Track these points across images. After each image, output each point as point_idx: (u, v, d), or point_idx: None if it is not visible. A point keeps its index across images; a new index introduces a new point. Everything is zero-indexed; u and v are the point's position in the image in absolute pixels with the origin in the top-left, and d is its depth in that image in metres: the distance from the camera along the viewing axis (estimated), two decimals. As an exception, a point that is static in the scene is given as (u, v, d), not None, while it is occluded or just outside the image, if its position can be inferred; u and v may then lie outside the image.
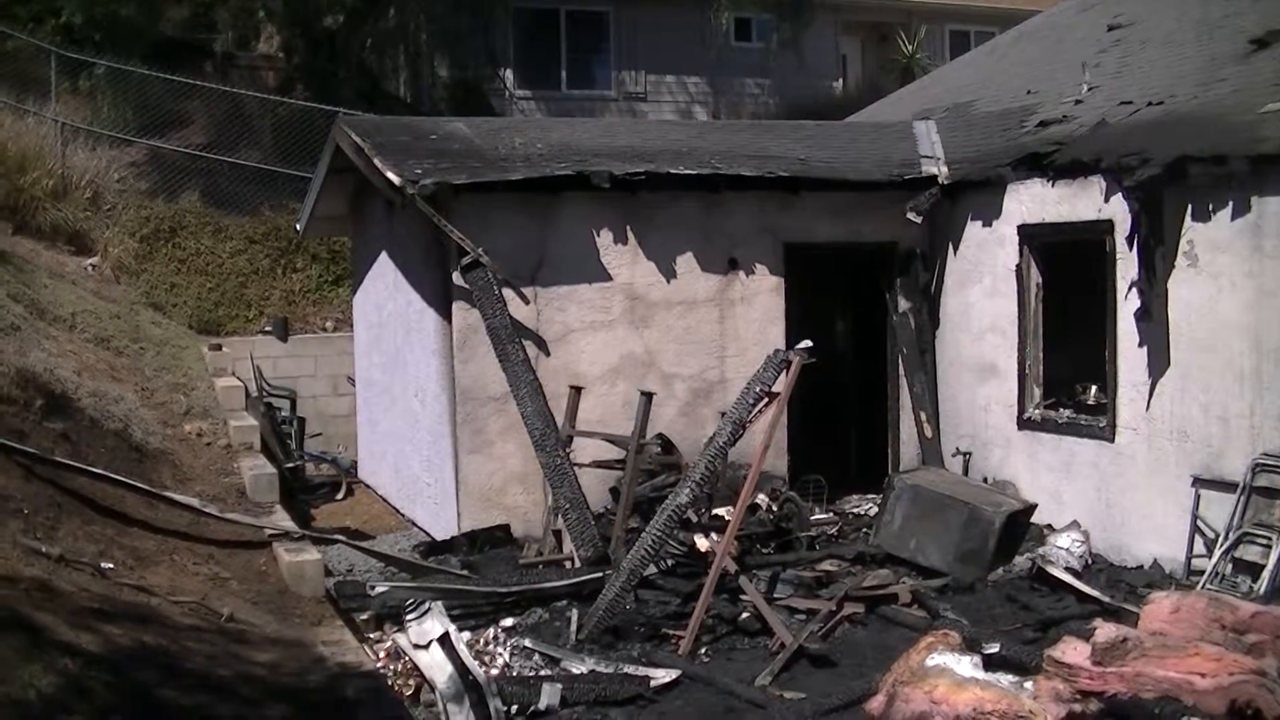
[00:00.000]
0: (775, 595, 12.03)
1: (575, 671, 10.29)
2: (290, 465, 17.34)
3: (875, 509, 14.19)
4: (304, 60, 29.13)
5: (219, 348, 19.51)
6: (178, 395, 16.24)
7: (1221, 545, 12.15)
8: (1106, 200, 13.54)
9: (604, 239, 14.67)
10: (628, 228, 14.76)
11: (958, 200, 15.72)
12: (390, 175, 13.79)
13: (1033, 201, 14.60)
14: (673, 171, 14.64)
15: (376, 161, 14.10)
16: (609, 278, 14.70)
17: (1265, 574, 11.65)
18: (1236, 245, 12.23)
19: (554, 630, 11.37)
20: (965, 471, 15.48)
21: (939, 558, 13.07)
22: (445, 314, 14.38)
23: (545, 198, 14.37)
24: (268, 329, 21.31)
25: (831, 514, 15.03)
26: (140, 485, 12.42)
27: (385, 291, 17.15)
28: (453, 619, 10.82)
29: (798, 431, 15.51)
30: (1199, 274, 12.61)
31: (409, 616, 10.76)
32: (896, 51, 36.83)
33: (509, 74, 32.79)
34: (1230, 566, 12.14)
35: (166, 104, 24.36)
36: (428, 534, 15.08)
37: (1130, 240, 13.01)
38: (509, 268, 14.11)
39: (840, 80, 37.29)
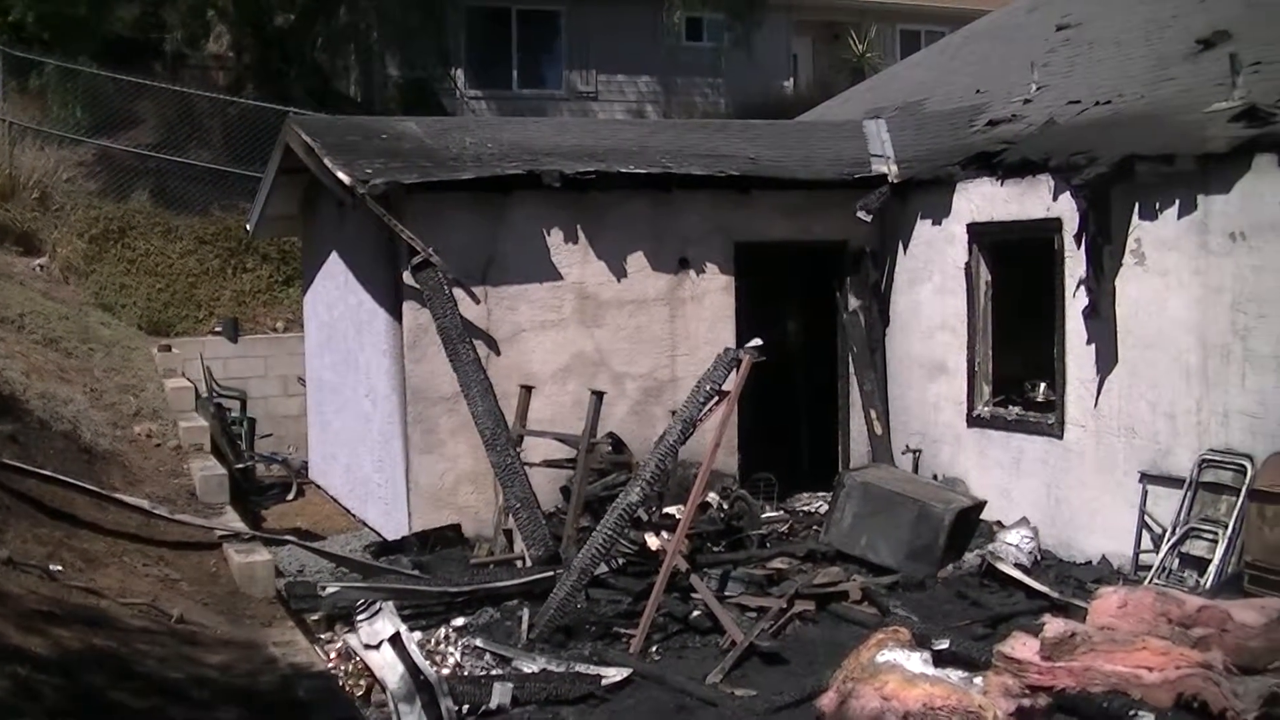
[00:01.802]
0: (726, 593, 12.04)
1: (527, 671, 10.27)
2: (241, 466, 17.27)
3: (826, 507, 14.22)
4: (255, 59, 29.02)
5: (169, 349, 19.41)
6: (127, 396, 16.15)
7: (1169, 540, 12.23)
8: (1055, 199, 13.60)
9: (555, 238, 14.66)
10: (578, 227, 14.75)
11: (908, 199, 15.78)
12: (341, 175, 13.75)
13: (982, 200, 14.67)
14: (623, 171, 14.65)
15: (327, 161, 14.06)
16: (560, 277, 14.69)
17: (1211, 568, 11.74)
18: (1183, 243, 12.31)
19: (505, 630, 11.34)
20: (915, 469, 15.53)
21: (889, 555, 13.11)
22: (396, 314, 14.36)
23: (496, 197, 14.36)
24: (218, 329, 21.23)
25: (782, 512, 15.07)
26: (90, 487, 12.35)
27: (336, 291, 17.11)
28: (404, 619, 10.80)
29: (749, 430, 15.53)
30: (1146, 272, 12.70)
31: (360, 617, 10.73)
32: (848, 51, 36.97)
33: (460, 74, 32.74)
34: (1177, 561, 12.23)
35: (116, 103, 24.25)
36: (379, 534, 15.05)
37: (1078, 238, 13.09)
38: (460, 267, 14.09)
39: (792, 79, 37.35)
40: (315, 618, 11.46)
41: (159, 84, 25.36)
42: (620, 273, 14.95)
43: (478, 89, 33.17)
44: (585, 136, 16.26)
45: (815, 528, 14.34)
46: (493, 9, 33.19)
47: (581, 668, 10.32)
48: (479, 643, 10.90)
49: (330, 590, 11.64)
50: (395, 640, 10.28)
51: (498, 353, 14.39)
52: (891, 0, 39.07)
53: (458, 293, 14.02)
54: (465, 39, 32.77)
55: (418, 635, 10.80)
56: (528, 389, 13.78)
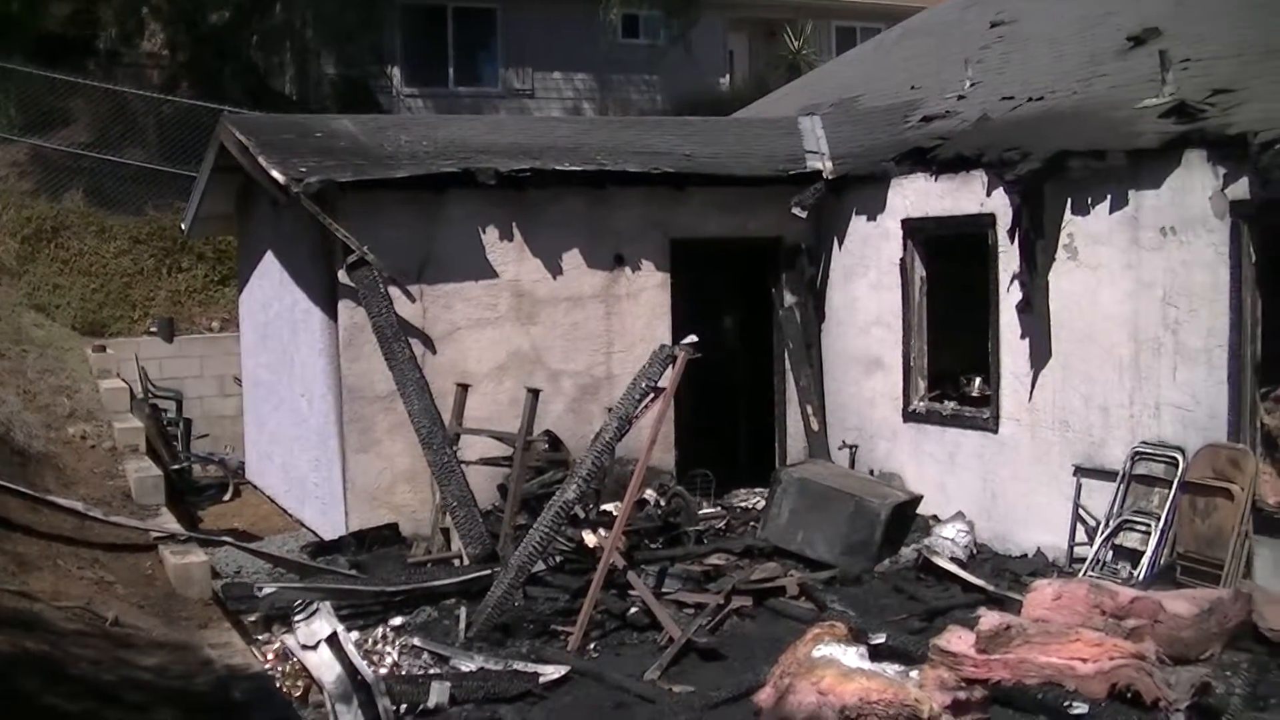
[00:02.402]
0: (664, 590, 12.05)
1: (464, 669, 10.26)
2: (177, 467, 17.20)
3: (763, 503, 14.25)
4: (189, 58, 28.83)
5: (103, 349, 19.28)
6: (61, 398, 16.04)
7: (1102, 532, 12.34)
8: (989, 194, 13.68)
9: (490, 236, 14.64)
10: (514, 225, 14.73)
11: (843, 195, 15.82)
12: (275, 173, 13.69)
13: (916, 196, 14.73)
14: (559, 168, 14.63)
15: (261, 160, 13.99)
16: (495, 275, 14.67)
17: (1144, 560, 11.85)
18: (1115, 238, 12.41)
19: (443, 628, 11.34)
20: (852, 464, 15.60)
21: (826, 550, 13.16)
22: (331, 313, 14.30)
23: (431, 195, 14.32)
24: (153, 330, 21.10)
25: (719, 508, 15.08)
26: (22, 489, 12.27)
27: (271, 291, 17.03)
28: (341, 619, 10.74)
29: (686, 426, 15.56)
30: (1079, 266, 12.79)
31: (297, 617, 10.67)
32: (784, 47, 37.03)
33: (396, 72, 32.65)
34: (1111, 553, 12.34)
35: (49, 102, 24.07)
36: (316, 534, 14.99)
37: (1012, 233, 13.18)
38: (395, 265, 14.04)
39: (728, 76, 37.42)
40: (252, 619, 11.43)
41: (93, 82, 25.15)
42: (556, 270, 14.94)
43: (414, 87, 33.08)
44: (521, 134, 16.21)
45: (752, 524, 14.37)
46: (429, 7, 33.09)
47: (519, 666, 10.32)
48: (416, 642, 10.89)
49: (267, 591, 11.60)
50: (332, 640, 10.22)
51: (434, 351, 14.36)
52: (827, -2, 39.18)
53: (393, 291, 13.97)
54: (401, 37, 32.67)
55: (355, 635, 10.76)
56: (464, 387, 13.75)
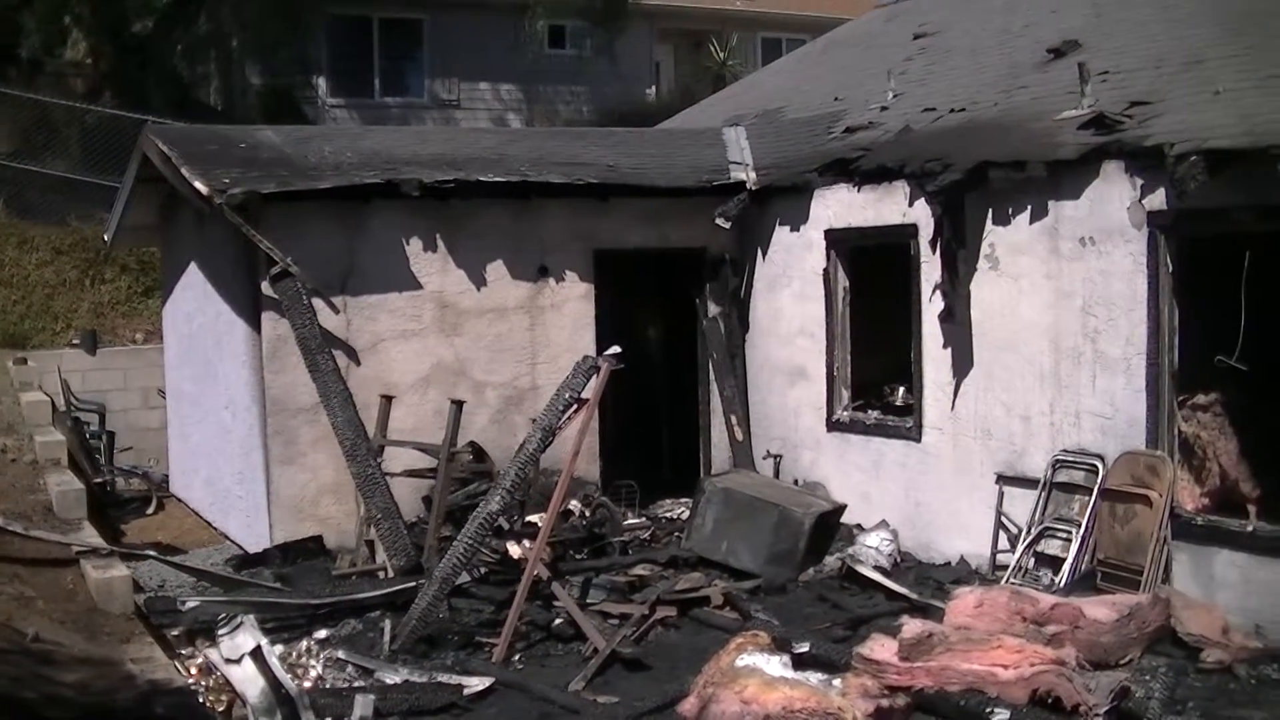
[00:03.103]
0: (589, 601, 12.04)
1: (389, 682, 10.22)
2: (100, 480, 17.07)
3: (688, 513, 14.26)
4: (112, 67, 28.66)
5: (25, 361, 19.12)
6: (-19, 411, 15.92)
7: (1024, 540, 12.43)
8: (911, 205, 13.77)
9: (414, 247, 14.60)
10: (438, 236, 14.70)
11: (766, 205, 15.87)
12: (198, 184, 13.59)
13: (839, 206, 14.80)
14: (482, 179, 14.61)
15: (184, 170, 13.89)
16: (419, 286, 14.63)
17: (1065, 567, 11.95)
18: (1035, 248, 12.51)
19: (368, 641, 11.28)
20: (776, 474, 15.63)
21: (750, 559, 13.18)
22: (255, 324, 14.21)
23: (355, 206, 14.26)
24: (76, 342, 20.92)
25: (644, 518, 15.10)
26: (-61, 505, 12.17)
27: (195, 302, 16.92)
28: (265, 632, 10.65)
29: (611, 437, 15.58)
30: (1000, 276, 12.89)
31: (221, 631, 10.57)
32: (709, 58, 37.21)
33: (322, 82, 32.57)
34: (1033, 560, 12.44)
35: (-32, 111, 23.91)
36: (241, 547, 14.89)
37: (934, 244, 13.25)
38: (319, 277, 13.98)
39: (654, 87, 37.55)
40: (176, 633, 11.34)
41: (14, 91, 24.96)
42: (480, 281, 14.92)
43: (340, 98, 33.04)
44: (445, 145, 16.19)
45: (677, 534, 14.36)
46: (355, 17, 33.06)
47: (444, 677, 10.29)
48: (341, 654, 10.84)
49: (191, 605, 11.54)
50: (256, 654, 10.15)
51: (358, 363, 14.31)
52: (753, 9, 39.33)
53: (317, 303, 13.91)
54: (327, 47, 32.62)
55: (279, 648, 10.69)
56: (388, 399, 13.71)
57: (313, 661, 10.77)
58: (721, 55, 37.24)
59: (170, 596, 12.12)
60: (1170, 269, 11.31)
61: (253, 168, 14.19)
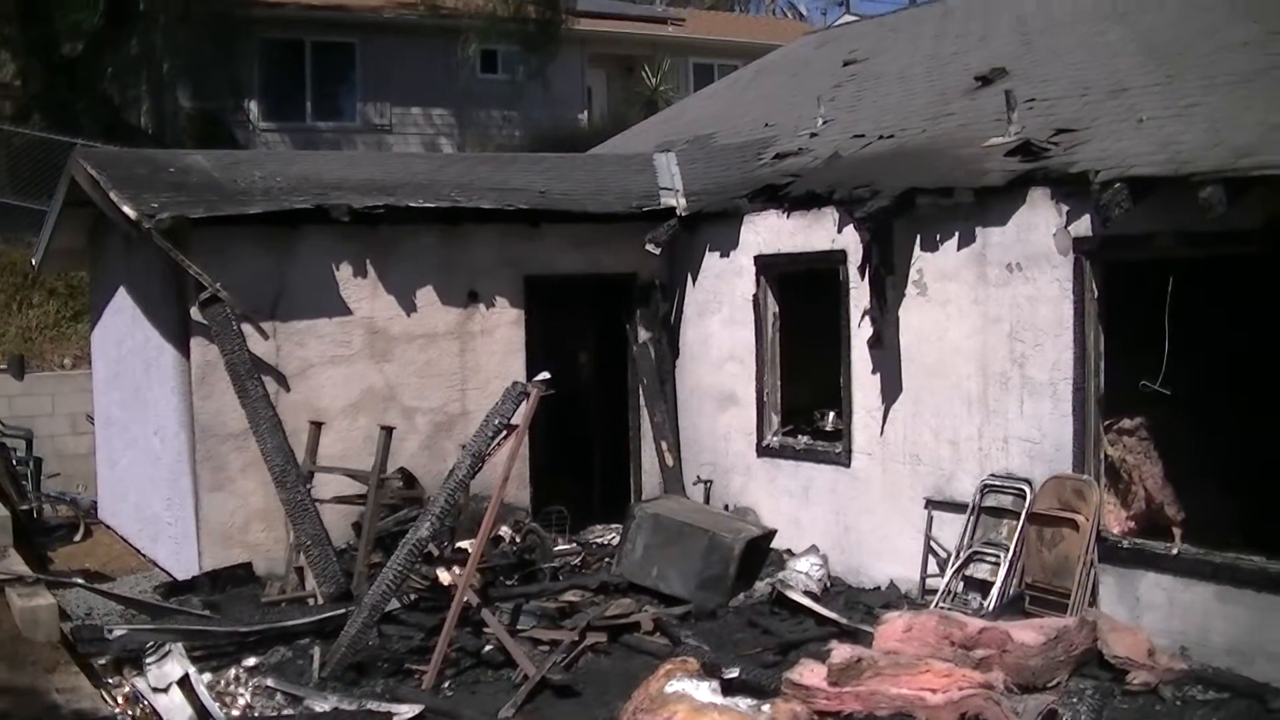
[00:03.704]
0: (519, 627, 12.01)
1: (318, 710, 10.16)
2: (26, 507, 16.92)
3: (618, 538, 14.26)
4: (42, 89, 28.48)
5: (-51, 387, 18.98)
6: (-96, 438, 15.75)
7: (953, 564, 12.49)
8: (840, 231, 13.82)
9: (344, 272, 14.55)
10: (368, 261, 14.66)
11: (696, 231, 15.90)
12: (126, 209, 13.52)
13: (769, 232, 14.84)
14: (412, 205, 14.58)
15: (112, 195, 13.81)
16: (349, 312, 14.59)
17: (994, 591, 12.01)
18: (963, 274, 12.58)
19: (297, 668, 11.20)
20: (707, 499, 15.65)
21: (681, 585, 13.17)
22: (184, 350, 14.13)
23: (285, 231, 14.21)
24: (3, 366, 20.78)
25: (575, 544, 15.06)
26: None
27: (124, 327, 16.81)
28: (194, 660, 10.61)
29: (541, 463, 15.56)
30: (928, 302, 12.96)
31: (148, 659, 10.52)
32: (641, 84, 37.32)
33: (254, 105, 32.47)
34: (962, 584, 12.49)
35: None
36: (169, 574, 14.79)
37: (862, 270, 13.31)
38: (248, 302, 13.92)
39: (586, 112, 37.63)
40: (102, 661, 11.23)
41: (-60, 114, 24.83)
42: (410, 307, 14.88)
43: (272, 121, 32.96)
44: (376, 170, 16.18)
45: (608, 559, 14.36)
46: (287, 41, 33.01)
47: (373, 705, 10.23)
48: (270, 682, 10.77)
49: (118, 633, 11.43)
50: (184, 682, 10.12)
51: (287, 388, 14.23)
52: (684, 34, 39.50)
53: (246, 328, 13.84)
54: (259, 71, 32.56)
55: (207, 676, 10.65)
56: (317, 425, 13.66)
57: (241, 690, 10.72)
58: (653, 81, 37.40)
59: (97, 624, 12.01)
60: (1095, 294, 11.40)
61: (182, 192, 14.13)
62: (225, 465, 13.98)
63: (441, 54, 33.58)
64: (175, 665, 10.33)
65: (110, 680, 10.92)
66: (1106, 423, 11.62)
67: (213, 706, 9.79)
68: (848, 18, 28.98)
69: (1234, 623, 10.39)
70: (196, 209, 13.67)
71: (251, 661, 11.33)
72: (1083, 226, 11.40)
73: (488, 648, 11.40)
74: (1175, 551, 11.00)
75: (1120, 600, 11.24)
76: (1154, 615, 10.96)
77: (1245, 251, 10.45)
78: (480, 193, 15.34)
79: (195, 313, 13.71)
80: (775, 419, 15.14)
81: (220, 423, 13.89)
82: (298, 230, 14.26)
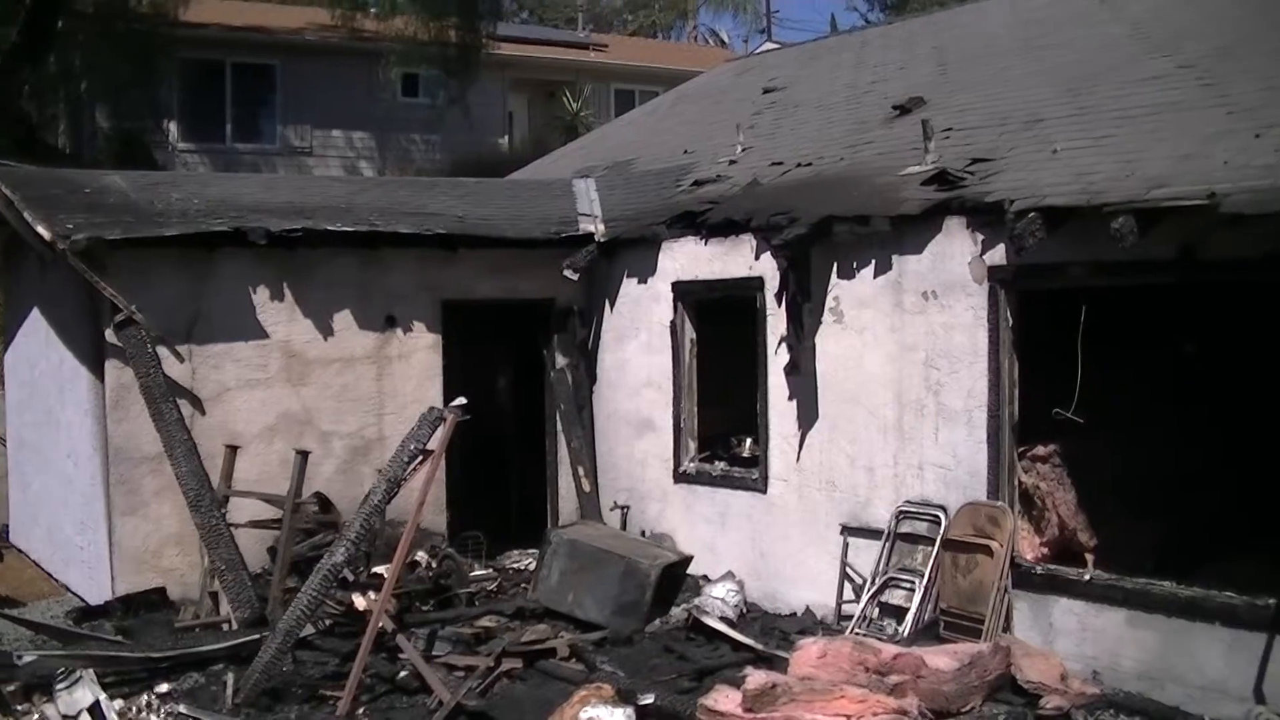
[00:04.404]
0: (434, 653, 11.96)
1: (230, 736, 10.13)
2: (-65, 532, 16.75)
3: (535, 564, 14.23)
4: (-45, 106, 28.21)
5: None
6: None
7: (868, 590, 12.52)
8: (757, 258, 13.87)
9: (261, 296, 14.48)
10: (285, 285, 14.58)
11: (615, 257, 15.92)
12: (41, 229, 13.38)
13: (687, 259, 14.88)
14: (330, 228, 14.52)
15: (27, 215, 13.67)
16: (266, 335, 14.50)
17: (909, 617, 12.05)
18: (879, 302, 12.65)
19: (210, 695, 11.10)
20: (624, 525, 15.66)
21: (597, 611, 13.16)
22: (98, 372, 14.01)
23: (202, 254, 14.10)
24: (-89, 390, 20.54)
25: (491, 570, 15.00)
26: None
27: (38, 349, 16.66)
28: (105, 687, 10.51)
29: (458, 488, 15.51)
30: (845, 329, 13.01)
31: (59, 686, 10.41)
32: (562, 109, 37.35)
33: (173, 126, 32.29)
34: (877, 610, 12.52)
35: None
36: (82, 599, 14.64)
37: (779, 297, 13.38)
38: (164, 325, 13.81)
39: (507, 137, 37.65)
40: (11, 688, 11.06)
41: None
42: (327, 331, 14.82)
43: (191, 143, 32.83)
44: (294, 193, 16.10)
45: (524, 585, 14.31)
46: (207, 61, 32.90)
47: (287, 732, 10.20)
48: (183, 709, 10.66)
49: (28, 659, 11.25)
50: (95, 710, 10.03)
51: (203, 412, 14.13)
52: (607, 60, 39.61)
53: (162, 351, 13.73)
54: (179, 91, 32.43)
55: (118, 703, 10.54)
56: (233, 449, 13.57)
57: (153, 717, 10.63)
58: (574, 106, 37.48)
59: (7, 651, 11.81)
60: (1010, 323, 11.50)
61: (98, 213, 14.00)
62: (139, 489, 13.85)
63: (363, 77, 33.59)
64: (86, 692, 10.23)
65: (19, 708, 10.76)
66: (1021, 450, 11.71)
67: (123, 734, 9.71)
68: (769, 45, 29.22)
69: (1145, 647, 10.50)
70: (113, 230, 13.55)
71: (164, 688, 11.21)
72: (998, 255, 11.49)
73: (403, 673, 11.33)
74: (1087, 577, 11.08)
75: (1034, 626, 11.32)
76: (1067, 640, 11.06)
77: (1158, 280, 10.58)
78: (399, 217, 15.31)
79: (110, 335, 13.58)
80: (692, 445, 15.17)
81: (135, 446, 13.76)
82: (215, 253, 14.16)
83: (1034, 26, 17.61)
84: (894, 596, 12.46)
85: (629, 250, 15.71)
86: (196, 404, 14.08)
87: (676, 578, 13.79)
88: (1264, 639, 9.71)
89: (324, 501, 13.86)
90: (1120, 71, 13.88)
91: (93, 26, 28.79)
